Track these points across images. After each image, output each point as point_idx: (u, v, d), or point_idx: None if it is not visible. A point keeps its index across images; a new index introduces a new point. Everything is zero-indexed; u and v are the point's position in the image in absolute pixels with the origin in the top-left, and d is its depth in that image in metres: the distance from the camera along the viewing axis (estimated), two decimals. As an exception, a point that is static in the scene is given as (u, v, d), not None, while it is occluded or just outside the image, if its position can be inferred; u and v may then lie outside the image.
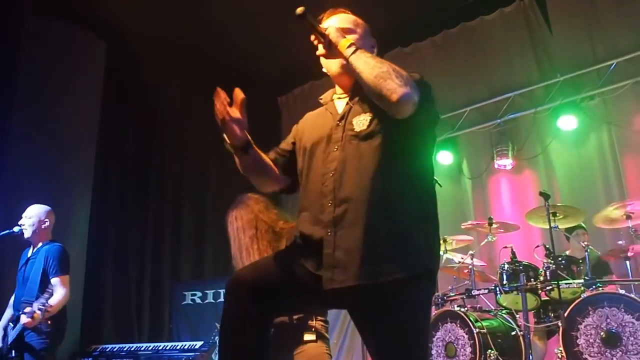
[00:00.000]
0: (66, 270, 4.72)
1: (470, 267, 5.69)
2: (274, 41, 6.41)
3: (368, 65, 2.12)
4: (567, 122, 6.64)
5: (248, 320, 2.10)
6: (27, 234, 4.82)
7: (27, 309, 4.32)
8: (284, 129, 8.47)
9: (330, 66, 2.37)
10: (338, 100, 2.43)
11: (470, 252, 5.75)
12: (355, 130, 2.23)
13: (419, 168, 2.24)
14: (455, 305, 5.41)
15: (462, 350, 4.96)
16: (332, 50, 2.26)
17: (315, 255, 2.18)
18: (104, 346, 6.03)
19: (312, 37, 2.29)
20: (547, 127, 6.91)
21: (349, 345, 7.51)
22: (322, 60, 2.39)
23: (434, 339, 5.15)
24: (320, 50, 2.30)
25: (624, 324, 4.31)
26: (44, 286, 4.49)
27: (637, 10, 6.31)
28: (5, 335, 4.66)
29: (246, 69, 7.60)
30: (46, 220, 4.91)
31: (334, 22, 2.34)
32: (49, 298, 4.36)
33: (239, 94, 2.29)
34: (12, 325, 4.59)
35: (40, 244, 4.84)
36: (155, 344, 5.92)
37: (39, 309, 4.27)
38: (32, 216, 4.86)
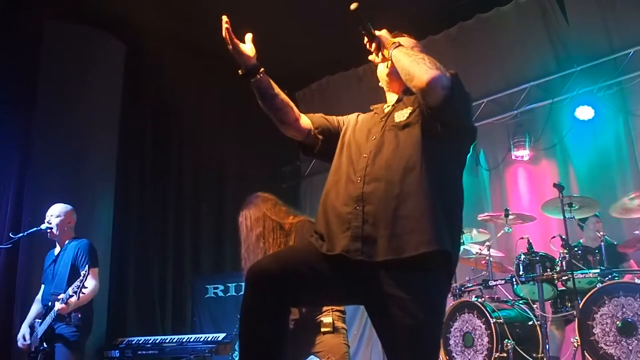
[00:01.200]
0: (95, 264, 4.86)
1: (487, 258, 5.74)
2: (292, 37, 6.47)
3: (407, 55, 2.27)
4: (584, 112, 6.63)
5: (267, 310, 2.13)
6: (55, 232, 4.95)
7: (61, 296, 4.45)
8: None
9: (381, 70, 2.51)
10: (386, 108, 2.54)
11: (487, 243, 5.80)
12: (395, 121, 2.36)
13: (451, 163, 2.32)
14: (473, 296, 5.47)
15: (480, 340, 5.02)
16: (383, 53, 2.39)
17: (340, 232, 2.25)
18: (129, 339, 6.18)
19: (365, 39, 2.41)
20: (564, 118, 6.89)
21: (368, 336, 7.59)
22: (378, 71, 2.53)
23: (452, 329, 5.22)
24: (373, 56, 2.43)
25: (639, 313, 4.35)
26: (74, 280, 4.58)
27: (653, -2, 6.28)
28: (33, 332, 4.80)
29: (264, 65, 7.68)
30: (72, 218, 5.07)
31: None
32: (81, 286, 4.43)
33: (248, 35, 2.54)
34: (40, 321, 4.73)
35: (66, 242, 4.99)
36: (179, 336, 6.05)
37: (74, 292, 4.39)
38: (60, 215, 4.99)
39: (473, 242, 6.10)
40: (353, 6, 2.29)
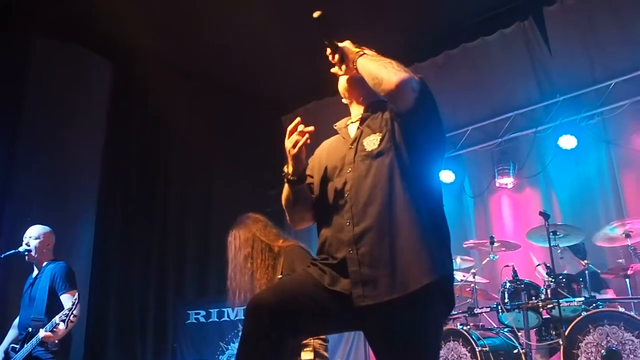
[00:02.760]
0: (74, 286, 4.76)
1: (472, 285, 5.74)
2: (278, 61, 6.51)
3: (372, 61, 2.24)
4: (567, 142, 6.70)
5: (267, 343, 2.09)
6: (34, 254, 4.84)
7: (54, 320, 4.33)
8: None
9: (341, 81, 2.45)
10: (351, 124, 2.48)
11: (472, 270, 5.80)
12: (367, 150, 2.28)
13: (429, 182, 2.29)
14: (458, 324, 5.45)
15: (465, 368, 4.99)
16: (346, 63, 2.34)
17: (340, 273, 2.22)
18: (108, 365, 6.07)
19: (327, 51, 2.36)
20: (548, 146, 6.97)
21: (354, 358, 7.51)
22: (339, 83, 2.47)
23: (437, 358, 5.18)
24: (336, 69, 2.38)
25: (624, 341, 4.36)
26: (52, 304, 4.52)
27: (636, 31, 6.40)
28: (8, 358, 4.66)
29: (251, 89, 7.71)
30: (50, 240, 4.97)
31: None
32: (69, 314, 4.34)
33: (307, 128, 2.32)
34: (17, 347, 4.59)
35: (44, 264, 4.87)
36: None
37: (61, 320, 4.29)
38: (39, 236, 4.89)
39: (458, 269, 6.09)
40: (316, 14, 2.23)
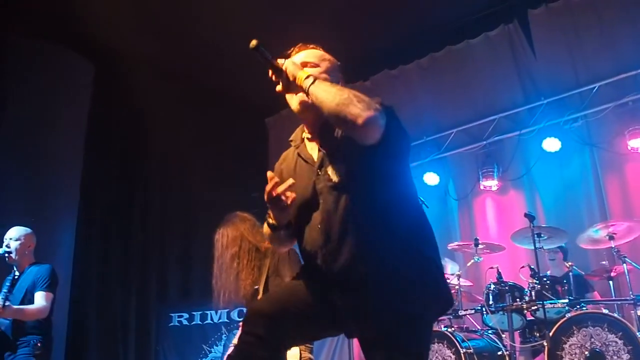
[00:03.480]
0: (53, 289, 4.69)
1: (456, 287, 5.73)
2: (258, 64, 6.48)
3: (328, 94, 2.09)
4: (551, 144, 6.73)
5: (261, 348, 2.11)
6: (14, 256, 4.74)
7: None
8: (271, 149, 8.50)
9: (292, 102, 2.30)
10: (309, 142, 2.39)
11: (457, 272, 5.80)
12: (333, 180, 2.20)
13: (403, 191, 2.24)
14: (442, 326, 5.44)
15: (450, 370, 4.99)
16: (292, 85, 2.22)
17: (330, 285, 2.21)
18: (89, 368, 5.99)
19: (269, 73, 2.26)
20: (532, 149, 7.00)
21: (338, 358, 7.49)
22: (287, 97, 2.33)
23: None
24: (279, 87, 2.26)
25: (607, 343, 4.38)
26: (24, 304, 4.46)
27: (619, 35, 6.46)
28: None
29: (234, 91, 7.66)
30: (31, 242, 4.88)
31: (299, 57, 2.33)
32: (7, 295, 4.32)
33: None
34: None
35: (26, 267, 4.78)
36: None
37: (2, 299, 4.26)
38: (19, 238, 4.80)
39: (442, 272, 6.08)
40: (253, 43, 2.17)
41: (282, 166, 2.49)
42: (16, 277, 4.76)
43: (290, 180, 2.16)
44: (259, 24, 6.61)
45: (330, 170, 2.22)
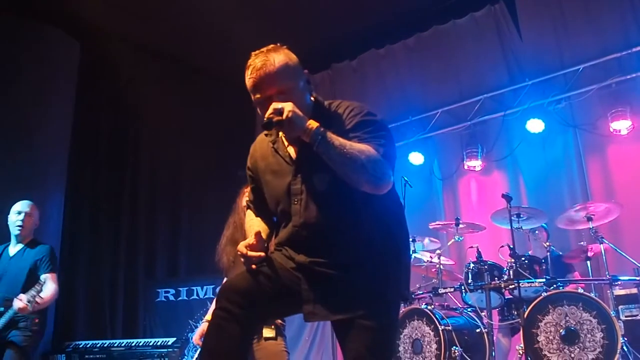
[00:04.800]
0: (56, 269, 4.79)
1: (438, 266, 5.82)
2: (247, 43, 6.46)
3: (342, 157, 2.10)
4: (535, 125, 6.78)
5: (236, 327, 2.18)
6: (25, 231, 4.81)
7: (22, 296, 4.36)
8: (258, 129, 8.49)
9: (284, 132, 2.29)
10: (285, 139, 2.38)
11: (438, 251, 5.88)
12: (316, 188, 2.24)
13: (383, 209, 2.29)
14: (423, 304, 5.53)
15: (428, 347, 5.09)
16: (290, 132, 2.21)
17: (299, 274, 2.29)
18: (76, 342, 6.06)
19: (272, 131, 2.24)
20: (516, 130, 7.05)
21: (319, 342, 7.60)
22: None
23: (401, 336, 5.28)
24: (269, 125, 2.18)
25: (582, 321, 4.49)
26: (30, 285, 4.50)
27: (603, 18, 6.50)
28: None
29: (222, 71, 7.64)
30: (38, 219, 4.98)
31: (274, 81, 2.20)
32: (40, 291, 4.39)
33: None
34: None
35: (27, 242, 4.84)
36: (128, 341, 5.96)
37: (29, 302, 4.32)
38: (32, 213, 4.88)
39: (424, 250, 6.18)
40: (265, 120, 2.13)
41: (257, 155, 2.50)
42: (14, 252, 4.81)
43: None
44: (247, 2, 6.62)
45: (315, 179, 2.26)
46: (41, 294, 4.42)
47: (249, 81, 2.24)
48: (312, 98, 2.35)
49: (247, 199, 2.63)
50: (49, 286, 4.58)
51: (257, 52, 2.25)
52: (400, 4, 7.27)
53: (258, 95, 2.23)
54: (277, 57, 2.21)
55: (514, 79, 7.14)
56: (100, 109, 7.71)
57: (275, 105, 2.13)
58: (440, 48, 7.46)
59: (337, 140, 2.11)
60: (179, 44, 7.53)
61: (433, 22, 7.47)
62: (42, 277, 4.61)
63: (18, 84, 6.54)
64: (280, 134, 2.36)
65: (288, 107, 2.11)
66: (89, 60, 7.26)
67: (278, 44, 2.31)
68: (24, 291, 4.47)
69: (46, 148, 6.71)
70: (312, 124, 2.12)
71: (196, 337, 3.85)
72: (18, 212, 4.84)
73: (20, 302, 4.35)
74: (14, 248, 4.86)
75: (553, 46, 6.86)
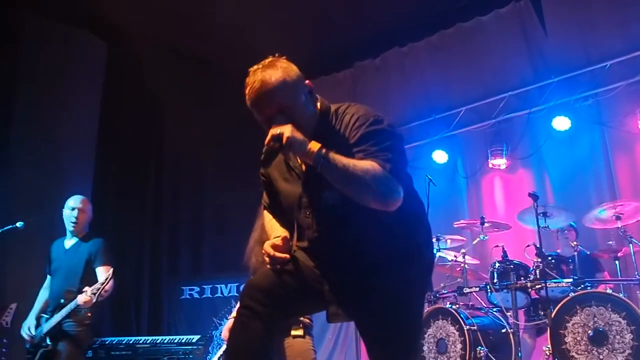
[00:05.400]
0: (110, 262, 4.85)
1: (462, 265, 5.78)
2: (270, 42, 6.49)
3: (346, 178, 2.07)
4: (561, 123, 6.69)
5: (259, 324, 2.20)
6: (79, 226, 4.90)
7: (86, 289, 4.44)
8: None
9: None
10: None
11: (463, 250, 5.84)
12: (326, 201, 2.22)
13: (402, 211, 2.20)
14: (448, 303, 5.50)
15: (453, 346, 5.06)
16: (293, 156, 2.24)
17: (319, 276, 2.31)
18: (103, 339, 6.11)
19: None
20: (541, 128, 6.96)
21: (342, 341, 7.59)
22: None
23: (426, 336, 5.25)
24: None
25: (610, 322, 4.41)
26: (87, 277, 4.64)
27: (630, 13, 6.37)
28: (38, 325, 4.74)
29: (244, 70, 7.67)
30: (91, 214, 5.06)
31: (272, 101, 2.16)
32: (103, 284, 4.45)
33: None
34: (47, 317, 4.69)
35: (81, 236, 4.94)
36: (153, 338, 6.00)
37: (93, 294, 4.39)
38: (86, 210, 4.97)
39: (448, 249, 6.13)
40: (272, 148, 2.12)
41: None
42: (70, 246, 4.92)
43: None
44: (274, 2, 6.62)
45: (325, 195, 2.22)
46: (105, 287, 4.48)
47: (248, 101, 2.20)
48: (318, 106, 2.29)
49: (264, 204, 2.62)
50: (103, 275, 4.63)
51: (254, 68, 2.20)
52: (423, 2, 7.23)
53: (259, 116, 2.21)
54: (274, 75, 2.15)
55: (539, 76, 7.04)
56: (126, 109, 7.77)
57: (274, 131, 2.09)
58: (464, 46, 7.38)
59: (340, 161, 2.06)
60: (204, 44, 7.56)
61: (457, 20, 7.39)
62: (99, 269, 4.72)
63: (45, 84, 6.63)
64: None
65: (287, 132, 2.07)
66: (116, 61, 7.32)
67: (277, 56, 2.26)
68: (83, 283, 4.59)
69: (73, 145, 6.82)
70: (314, 146, 2.07)
71: (224, 332, 3.91)
72: (72, 208, 4.91)
73: (84, 295, 4.42)
74: (69, 242, 4.96)
75: (579, 42, 6.75)
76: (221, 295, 7.34)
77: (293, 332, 3.46)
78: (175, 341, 5.83)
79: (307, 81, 2.27)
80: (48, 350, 4.56)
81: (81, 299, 4.43)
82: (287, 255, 2.27)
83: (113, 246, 6.64)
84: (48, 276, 5.02)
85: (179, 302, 7.46)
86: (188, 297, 7.45)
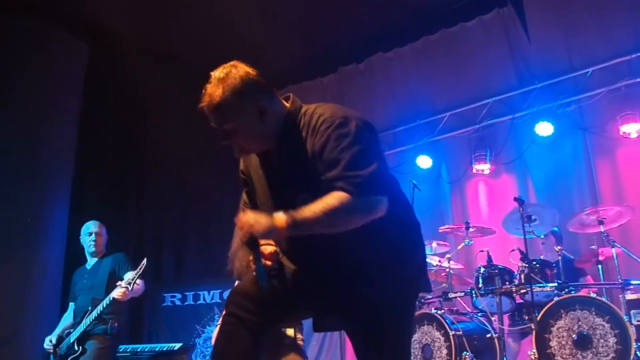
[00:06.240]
0: (133, 269, 4.99)
1: (447, 270, 5.78)
2: (254, 46, 6.47)
3: (324, 227, 2.05)
4: (544, 128, 6.73)
5: (244, 329, 2.18)
6: (98, 247, 5.26)
7: (120, 282, 4.73)
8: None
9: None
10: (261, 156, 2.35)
11: (447, 255, 5.84)
12: (298, 206, 2.11)
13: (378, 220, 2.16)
14: (433, 308, 5.49)
15: (439, 352, 5.05)
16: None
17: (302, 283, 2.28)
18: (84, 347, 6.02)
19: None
20: (524, 133, 6.99)
21: (327, 347, 7.56)
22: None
23: (412, 342, 5.22)
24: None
25: (595, 326, 4.44)
26: (113, 287, 4.80)
27: (612, 20, 6.45)
28: (58, 344, 4.96)
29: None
30: (106, 233, 5.42)
31: (220, 120, 2.20)
32: (138, 274, 4.73)
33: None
34: (71, 330, 4.92)
35: (101, 256, 5.26)
36: (134, 346, 5.92)
37: (128, 284, 4.66)
38: (102, 233, 5.32)
39: (433, 254, 6.13)
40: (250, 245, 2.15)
41: (250, 159, 2.45)
42: (92, 266, 5.23)
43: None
44: (254, 3, 6.59)
45: (299, 199, 2.16)
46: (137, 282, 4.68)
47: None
48: (287, 106, 2.25)
49: (243, 206, 2.56)
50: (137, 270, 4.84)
51: (213, 73, 2.19)
52: (408, 8, 7.25)
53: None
54: (220, 92, 2.13)
55: (522, 82, 7.09)
56: (108, 112, 7.68)
57: (242, 235, 2.10)
58: (449, 51, 7.41)
59: (310, 218, 2.02)
60: (188, 46, 7.51)
61: (441, 26, 7.42)
62: (126, 276, 4.90)
63: (24, 87, 6.52)
64: None
65: (253, 227, 2.06)
66: (97, 63, 7.24)
67: (234, 63, 2.22)
68: (107, 292, 4.83)
69: (52, 150, 6.70)
70: (280, 223, 2.03)
71: (213, 338, 3.86)
72: (89, 234, 5.27)
73: (118, 288, 4.67)
74: (89, 263, 5.28)
75: (562, 49, 6.81)
76: (204, 302, 7.27)
77: (286, 340, 3.42)
78: (157, 349, 5.77)
79: (264, 82, 2.21)
80: (76, 356, 4.76)
81: (116, 292, 4.67)
82: (272, 262, 2.24)
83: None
84: (70, 304, 5.24)
85: (160, 309, 7.38)
86: (170, 304, 7.37)
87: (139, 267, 4.75)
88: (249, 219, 2.07)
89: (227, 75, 2.16)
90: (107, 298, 4.71)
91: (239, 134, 2.17)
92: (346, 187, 2.01)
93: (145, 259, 4.86)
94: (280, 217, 2.03)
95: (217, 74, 2.16)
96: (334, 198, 2.01)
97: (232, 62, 2.21)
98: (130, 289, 4.67)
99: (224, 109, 2.14)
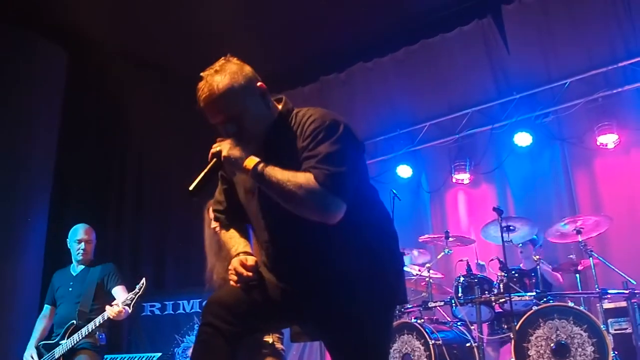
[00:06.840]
0: (125, 282, 4.97)
1: (427, 279, 5.80)
2: (235, 54, 6.45)
3: (281, 194, 2.07)
4: (523, 139, 6.81)
5: (222, 339, 2.16)
6: (87, 255, 5.03)
7: (115, 302, 4.57)
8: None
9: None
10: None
11: (427, 264, 5.86)
12: (279, 206, 2.14)
13: (360, 221, 2.20)
14: (412, 317, 5.51)
15: (419, 361, 5.06)
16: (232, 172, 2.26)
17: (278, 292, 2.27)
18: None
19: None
20: (504, 143, 7.08)
21: (307, 356, 7.54)
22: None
23: (392, 351, 5.23)
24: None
25: (572, 335, 4.48)
26: (100, 298, 4.77)
27: (589, 33, 6.56)
28: (40, 354, 4.78)
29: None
30: (95, 238, 5.20)
31: (220, 109, 2.18)
32: (137, 294, 4.59)
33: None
34: (56, 340, 4.74)
35: (89, 262, 5.05)
36: (112, 356, 5.85)
37: (127, 305, 4.53)
38: (91, 239, 5.10)
39: (413, 264, 6.15)
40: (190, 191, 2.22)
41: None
42: (78, 272, 5.04)
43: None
44: (235, 11, 6.59)
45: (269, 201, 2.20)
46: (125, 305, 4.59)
47: (200, 106, 2.22)
48: (279, 107, 2.29)
49: (216, 208, 2.54)
50: (121, 295, 4.73)
51: (205, 72, 2.20)
52: (388, 18, 7.29)
53: (211, 121, 2.23)
54: (222, 81, 2.15)
55: (501, 93, 7.17)
56: (88, 119, 7.61)
57: (214, 148, 2.18)
58: (429, 62, 7.47)
59: (276, 176, 2.06)
60: (168, 53, 7.49)
61: (421, 36, 7.49)
62: (115, 289, 4.84)
63: (2, 93, 6.44)
64: None
65: (224, 149, 2.14)
66: (77, 71, 7.18)
67: (228, 57, 2.25)
68: (95, 304, 4.75)
69: (31, 158, 6.63)
70: (250, 163, 2.09)
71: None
72: (78, 241, 5.05)
73: (115, 307, 4.50)
74: (76, 269, 5.07)
75: (540, 60, 6.91)
76: (183, 312, 7.21)
77: (263, 350, 3.38)
78: (136, 359, 5.70)
79: (259, 83, 2.25)
80: None
81: (112, 312, 4.49)
82: (253, 274, 2.22)
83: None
84: (46, 306, 5.08)
85: (139, 318, 7.29)
86: (149, 313, 7.29)
87: (138, 287, 4.60)
88: (226, 144, 2.15)
89: (225, 66, 2.20)
90: (101, 316, 4.56)
91: (247, 114, 2.17)
92: (316, 174, 2.05)
93: (144, 279, 4.70)
94: (253, 159, 2.10)
95: (214, 67, 2.20)
96: (304, 176, 2.05)
97: (223, 57, 2.26)
98: (129, 310, 4.57)
99: (229, 92, 2.15)
